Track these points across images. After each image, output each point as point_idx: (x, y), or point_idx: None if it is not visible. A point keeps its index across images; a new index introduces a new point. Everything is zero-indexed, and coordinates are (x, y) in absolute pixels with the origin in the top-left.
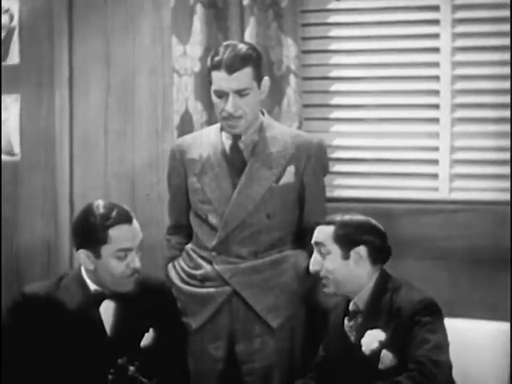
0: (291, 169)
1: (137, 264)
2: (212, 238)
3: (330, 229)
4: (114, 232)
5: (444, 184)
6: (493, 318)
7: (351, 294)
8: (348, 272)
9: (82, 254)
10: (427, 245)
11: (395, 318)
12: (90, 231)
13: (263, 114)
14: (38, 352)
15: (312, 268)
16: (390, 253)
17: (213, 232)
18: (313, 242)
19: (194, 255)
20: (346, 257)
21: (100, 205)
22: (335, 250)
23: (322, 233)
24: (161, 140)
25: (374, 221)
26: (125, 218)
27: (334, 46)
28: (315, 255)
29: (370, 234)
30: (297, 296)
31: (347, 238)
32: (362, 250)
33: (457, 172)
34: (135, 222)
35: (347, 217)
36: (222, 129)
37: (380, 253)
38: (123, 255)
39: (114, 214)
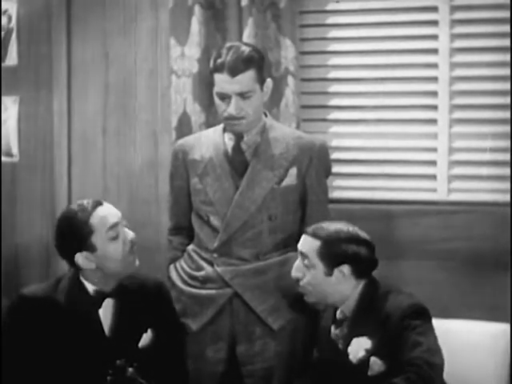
0: (293, 171)
1: (131, 235)
2: (213, 239)
3: (316, 243)
4: (94, 219)
5: (442, 185)
6: (492, 319)
7: (334, 304)
8: (329, 288)
9: (80, 259)
10: (426, 246)
11: (384, 324)
12: (75, 231)
13: (266, 115)
14: (36, 353)
15: (294, 274)
16: (376, 266)
17: (214, 233)
18: (298, 248)
19: (195, 256)
20: (329, 274)
21: (69, 208)
22: (318, 266)
23: (307, 245)
24: (159, 141)
25: (362, 233)
26: (96, 203)
27: (332, 47)
28: (299, 262)
29: (356, 250)
30: (298, 298)
31: (332, 256)
32: (345, 268)
33: (455, 173)
34: (106, 203)
35: (334, 230)
36: (224, 130)
37: (365, 268)
38: (114, 234)
39: (85, 204)
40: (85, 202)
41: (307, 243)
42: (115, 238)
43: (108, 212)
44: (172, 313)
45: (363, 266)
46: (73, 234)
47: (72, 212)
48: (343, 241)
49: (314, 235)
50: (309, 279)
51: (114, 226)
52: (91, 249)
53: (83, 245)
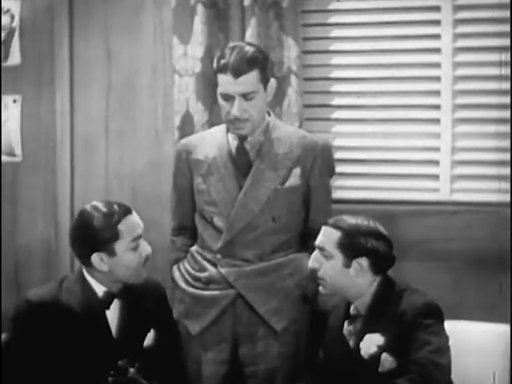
0: (297, 171)
1: (148, 250)
2: (217, 240)
3: (337, 234)
4: (123, 225)
5: (445, 185)
6: (493, 319)
7: (349, 298)
8: (347, 280)
9: (96, 259)
10: (428, 246)
11: (397, 321)
12: (100, 233)
13: (269, 114)
14: (42, 356)
15: (311, 264)
16: (393, 262)
17: (218, 234)
18: (316, 243)
19: (198, 257)
20: (348, 265)
21: (97, 206)
22: (337, 256)
23: (328, 236)
24: (161, 141)
25: (381, 228)
26: (127, 210)
27: (334, 46)
28: (317, 253)
29: (375, 245)
30: (301, 299)
31: (351, 248)
32: (364, 261)
33: (458, 173)
34: (134, 212)
35: (355, 223)
36: (228, 129)
37: (383, 263)
38: (136, 245)
39: (116, 209)
40: (115, 205)
41: (327, 234)
42: (135, 249)
43: (136, 222)
44: (169, 313)
45: (381, 261)
46: (97, 234)
47: (100, 212)
48: (363, 234)
49: (335, 226)
50: (326, 269)
51: (138, 237)
52: (110, 253)
53: (104, 247)
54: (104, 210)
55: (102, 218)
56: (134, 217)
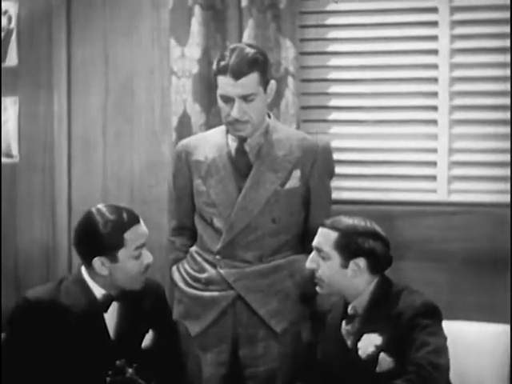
0: (297, 173)
1: (150, 259)
2: (217, 241)
3: (334, 235)
4: (129, 235)
5: (442, 186)
6: (492, 320)
7: (347, 298)
8: (344, 280)
9: (98, 263)
10: (425, 247)
11: (395, 321)
12: (105, 239)
13: (269, 116)
14: (40, 356)
15: (309, 265)
16: (391, 263)
17: (217, 235)
18: (313, 244)
19: (198, 258)
20: (345, 266)
21: (105, 210)
22: (334, 257)
23: (325, 237)
24: (159, 142)
25: (378, 229)
26: (135, 219)
27: (332, 47)
28: (314, 253)
29: (372, 245)
30: (301, 301)
31: (349, 248)
32: (361, 261)
33: (455, 174)
34: (141, 220)
35: (352, 224)
36: (227, 131)
37: (380, 263)
38: (138, 254)
39: (125, 217)
40: (124, 213)
41: (324, 235)
42: (137, 258)
43: (142, 232)
44: (168, 313)
45: (378, 262)
46: (103, 240)
47: (107, 218)
48: (360, 234)
49: (332, 227)
50: (324, 270)
51: (142, 246)
52: (113, 259)
53: (107, 252)
54: (112, 216)
55: (110, 225)
56: (142, 226)
